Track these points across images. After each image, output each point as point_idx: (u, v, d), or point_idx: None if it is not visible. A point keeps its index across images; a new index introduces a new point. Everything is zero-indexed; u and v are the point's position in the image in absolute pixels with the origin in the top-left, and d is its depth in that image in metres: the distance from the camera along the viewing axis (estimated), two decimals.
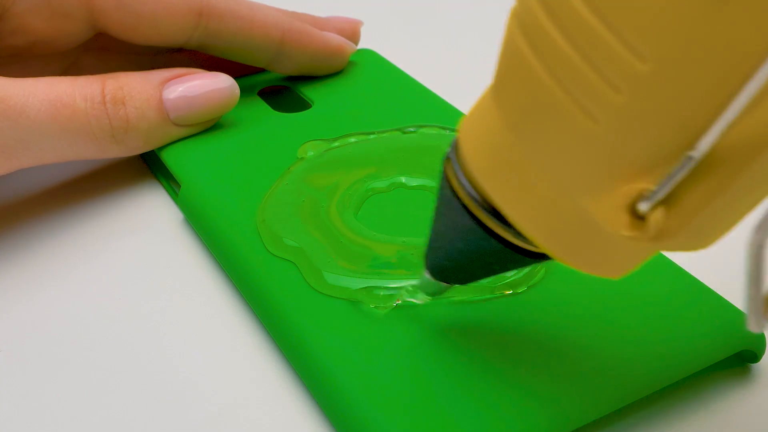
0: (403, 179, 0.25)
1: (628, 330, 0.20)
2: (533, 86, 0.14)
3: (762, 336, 0.20)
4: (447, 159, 0.16)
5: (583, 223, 0.14)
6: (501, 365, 0.19)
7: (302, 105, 0.30)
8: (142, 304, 0.23)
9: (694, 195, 0.13)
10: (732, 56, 0.11)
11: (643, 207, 0.13)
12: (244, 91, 0.29)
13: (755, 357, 0.20)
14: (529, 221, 0.15)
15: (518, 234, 0.15)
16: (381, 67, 0.32)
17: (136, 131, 0.26)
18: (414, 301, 0.20)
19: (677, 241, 0.13)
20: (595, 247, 0.15)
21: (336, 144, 0.27)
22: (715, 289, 0.21)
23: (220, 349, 0.21)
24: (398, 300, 0.20)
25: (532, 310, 0.20)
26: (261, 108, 0.29)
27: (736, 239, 0.25)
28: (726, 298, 0.21)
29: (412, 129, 0.27)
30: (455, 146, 0.16)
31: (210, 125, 0.28)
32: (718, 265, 0.24)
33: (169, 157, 0.26)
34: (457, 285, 0.18)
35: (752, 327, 0.13)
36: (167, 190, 0.27)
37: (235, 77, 0.28)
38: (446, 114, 0.28)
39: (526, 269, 0.21)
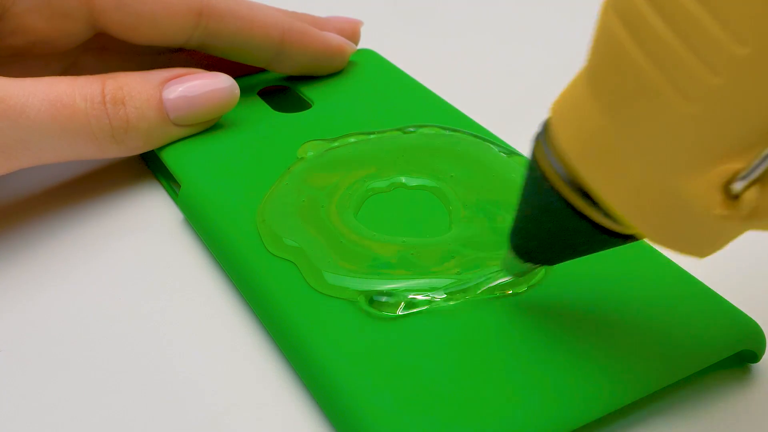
0: (403, 179, 0.25)
1: (627, 330, 0.20)
2: (631, 71, 0.14)
3: (762, 336, 0.20)
4: (537, 142, 0.17)
5: (675, 203, 0.15)
6: (500, 365, 0.19)
7: (302, 105, 0.30)
8: (142, 304, 0.23)
9: None
10: None
11: (737, 186, 0.13)
12: (244, 91, 0.29)
13: (755, 357, 0.20)
14: (622, 201, 0.15)
15: (607, 215, 0.16)
16: (381, 67, 0.32)
17: (136, 131, 0.26)
18: (416, 308, 0.20)
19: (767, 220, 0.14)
20: (686, 227, 0.15)
21: (336, 144, 0.27)
22: (715, 289, 0.21)
23: (220, 349, 0.21)
24: (400, 308, 0.20)
25: (532, 310, 0.20)
26: (261, 108, 0.29)
27: (737, 240, 0.25)
28: (726, 298, 0.21)
29: (412, 129, 0.27)
30: (545, 129, 0.16)
31: (210, 125, 0.28)
32: (718, 265, 0.24)
33: (169, 157, 0.26)
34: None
35: None
36: (167, 190, 0.27)
37: (235, 77, 0.28)
38: (446, 114, 0.28)
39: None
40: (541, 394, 0.18)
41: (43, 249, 0.25)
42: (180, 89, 0.26)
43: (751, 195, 0.13)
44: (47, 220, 0.26)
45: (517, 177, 0.24)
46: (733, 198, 0.14)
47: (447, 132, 0.27)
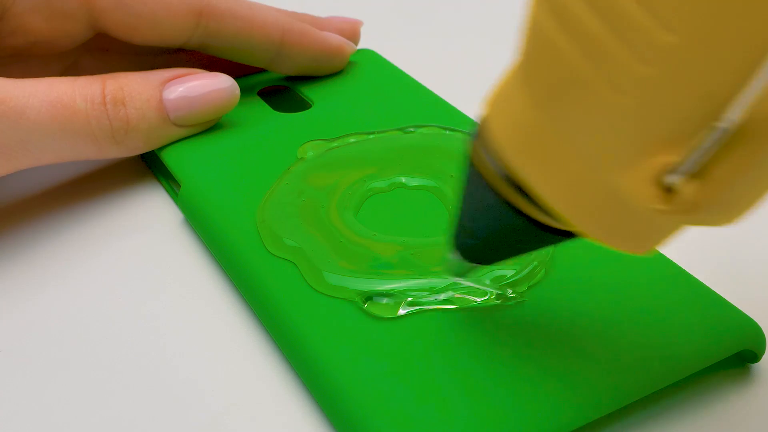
0: (403, 179, 0.25)
1: (627, 330, 0.20)
2: (561, 63, 0.14)
3: (762, 336, 0.20)
4: (472, 138, 0.16)
5: (611, 198, 0.14)
6: (500, 365, 0.19)
7: (302, 105, 0.30)
8: (142, 304, 0.23)
9: (726, 167, 0.13)
10: (760, 27, 0.12)
11: (671, 179, 0.13)
12: (244, 91, 0.29)
13: (755, 357, 0.20)
14: (559, 197, 0.15)
15: (545, 211, 0.15)
16: (381, 67, 0.32)
17: (137, 132, 0.26)
18: (416, 308, 0.20)
19: (705, 214, 0.13)
20: (624, 222, 0.15)
21: (336, 144, 0.27)
22: (715, 289, 0.21)
23: (220, 349, 0.21)
24: (400, 308, 0.20)
25: (532, 310, 0.20)
26: (261, 108, 0.29)
27: (737, 240, 0.26)
28: (726, 298, 0.21)
29: (412, 129, 0.27)
30: (480, 125, 0.16)
31: (210, 125, 0.28)
32: (718, 265, 0.24)
33: (169, 157, 0.26)
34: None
35: None
36: (167, 190, 0.27)
37: (235, 77, 0.28)
38: (446, 114, 0.28)
39: (527, 269, 0.21)
40: (540, 394, 0.18)
41: (43, 249, 0.25)
42: (180, 89, 0.26)
43: (686, 188, 0.13)
44: (47, 220, 0.26)
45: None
46: (669, 192, 0.13)
47: (447, 132, 0.27)
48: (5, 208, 0.27)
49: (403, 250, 0.22)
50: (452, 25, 0.40)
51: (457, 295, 0.20)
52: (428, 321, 0.20)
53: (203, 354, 0.21)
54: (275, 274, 0.21)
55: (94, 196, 0.27)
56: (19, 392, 0.20)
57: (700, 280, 0.21)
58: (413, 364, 0.19)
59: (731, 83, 0.12)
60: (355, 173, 0.25)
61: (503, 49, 0.37)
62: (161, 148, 0.27)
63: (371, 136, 0.27)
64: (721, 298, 0.20)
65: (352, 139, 0.27)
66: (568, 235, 0.16)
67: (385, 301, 0.20)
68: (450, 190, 0.24)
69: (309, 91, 0.30)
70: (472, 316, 0.20)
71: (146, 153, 0.28)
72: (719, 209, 0.13)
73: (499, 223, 0.16)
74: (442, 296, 0.20)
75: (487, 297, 0.20)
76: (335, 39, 0.31)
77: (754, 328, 0.20)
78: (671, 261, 0.22)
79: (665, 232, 0.15)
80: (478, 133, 0.16)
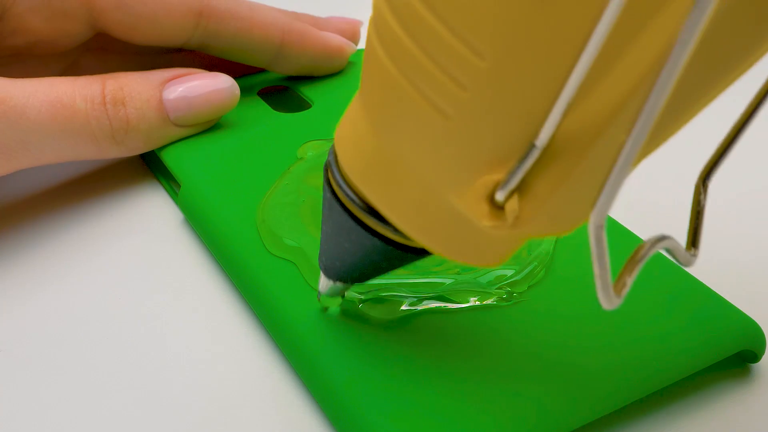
0: None
1: (628, 330, 0.20)
2: (390, 88, 0.14)
3: (762, 336, 0.20)
4: (327, 164, 0.17)
5: (451, 216, 0.15)
6: (500, 366, 0.19)
7: (302, 105, 0.30)
8: (142, 304, 0.23)
9: (543, 182, 0.13)
10: (557, 50, 0.12)
11: (499, 196, 0.14)
12: (244, 91, 0.29)
13: (755, 357, 0.20)
14: (403, 218, 0.16)
15: (397, 231, 0.16)
16: None
17: (136, 132, 0.26)
18: (415, 308, 0.20)
19: (535, 226, 0.14)
20: (467, 238, 0.16)
21: None
22: (715, 289, 0.21)
23: (220, 348, 0.21)
24: (400, 308, 0.20)
25: (531, 310, 0.20)
26: (261, 108, 0.29)
27: (737, 240, 0.26)
28: (726, 298, 0.21)
29: None
30: (332, 151, 0.17)
31: (210, 125, 0.28)
32: (718, 265, 0.24)
33: (169, 157, 0.26)
34: (357, 284, 0.19)
35: (604, 305, 0.14)
36: (167, 190, 0.27)
37: (235, 77, 0.28)
38: None
39: (527, 269, 0.21)
40: (540, 394, 0.18)
41: (43, 249, 0.25)
42: (180, 90, 0.26)
43: (512, 204, 0.14)
44: (47, 220, 0.26)
45: None
46: (499, 208, 0.14)
47: None
48: (5, 208, 0.27)
49: None
50: None
51: (456, 296, 0.20)
52: (428, 321, 0.20)
53: (203, 354, 0.21)
54: (275, 274, 0.21)
55: (94, 196, 0.27)
56: (19, 392, 0.20)
57: (700, 280, 0.21)
58: (412, 364, 0.19)
59: (540, 105, 0.13)
60: None
61: None
62: (161, 148, 0.27)
63: None
64: (721, 298, 0.20)
65: None
66: (424, 252, 0.17)
67: (384, 301, 0.20)
68: None
69: (309, 91, 0.30)
70: (471, 316, 0.20)
71: (146, 153, 0.28)
72: (545, 221, 0.14)
73: (358, 244, 0.17)
74: (442, 297, 0.20)
75: (486, 297, 0.20)
76: (335, 39, 0.31)
77: (754, 328, 0.20)
78: (671, 261, 0.22)
79: (506, 245, 0.16)
80: (331, 158, 0.17)
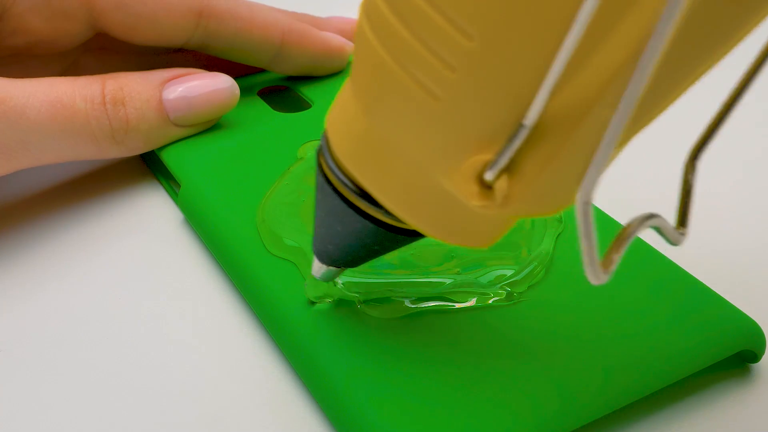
0: None
1: (627, 330, 0.20)
2: (379, 70, 0.14)
3: (762, 336, 0.20)
4: (319, 148, 0.17)
5: (442, 197, 0.15)
6: (501, 366, 0.19)
7: (302, 105, 0.30)
8: (142, 304, 0.23)
9: (532, 161, 0.14)
10: (543, 30, 0.12)
11: (488, 176, 0.14)
12: (244, 91, 0.29)
13: (755, 357, 0.20)
14: (395, 200, 0.16)
15: (388, 213, 0.16)
16: None
17: (136, 132, 0.26)
18: (416, 308, 0.20)
19: (524, 206, 0.14)
20: (458, 219, 0.16)
21: None
22: (715, 289, 0.21)
23: (220, 349, 0.21)
24: (401, 309, 0.20)
25: (531, 310, 0.20)
26: (261, 108, 0.29)
27: (737, 240, 0.26)
28: (726, 298, 0.21)
29: None
30: (324, 134, 0.17)
31: (210, 125, 0.28)
32: (718, 266, 0.24)
33: (169, 157, 0.26)
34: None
35: (592, 280, 0.14)
36: (167, 190, 0.27)
37: (235, 77, 0.28)
38: None
39: (527, 269, 0.21)
40: (540, 395, 0.18)
41: (43, 249, 0.25)
42: (180, 89, 0.26)
43: (501, 184, 0.14)
44: (47, 220, 0.26)
45: None
46: (488, 188, 0.14)
47: None
48: (5, 208, 0.27)
49: (404, 251, 0.22)
50: None
51: (456, 296, 0.20)
52: (428, 321, 0.20)
53: (203, 354, 0.21)
54: (275, 274, 0.21)
55: (94, 196, 0.27)
56: (19, 392, 0.20)
57: (700, 280, 0.21)
58: (412, 364, 0.19)
59: (528, 85, 0.13)
60: None
61: None
62: (161, 148, 0.27)
63: None
64: (721, 298, 0.20)
65: None
66: (416, 234, 0.17)
67: (384, 301, 0.20)
68: None
69: (309, 91, 0.30)
70: (471, 316, 0.20)
71: (146, 153, 0.28)
72: (533, 200, 0.14)
73: (350, 228, 0.17)
74: (442, 297, 0.20)
75: (486, 297, 0.20)
76: (335, 39, 0.31)
77: (754, 328, 0.20)
78: (671, 261, 0.22)
79: (496, 225, 0.16)
80: (323, 142, 0.17)
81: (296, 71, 0.31)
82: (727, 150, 0.30)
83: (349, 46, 0.31)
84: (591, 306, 0.20)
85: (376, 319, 0.20)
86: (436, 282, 0.21)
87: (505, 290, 0.21)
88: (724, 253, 0.24)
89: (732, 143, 0.31)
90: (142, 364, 0.21)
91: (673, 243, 0.15)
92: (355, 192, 0.16)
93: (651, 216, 0.14)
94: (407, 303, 0.20)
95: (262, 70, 0.32)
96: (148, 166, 0.28)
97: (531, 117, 0.13)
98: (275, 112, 0.29)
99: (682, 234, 0.15)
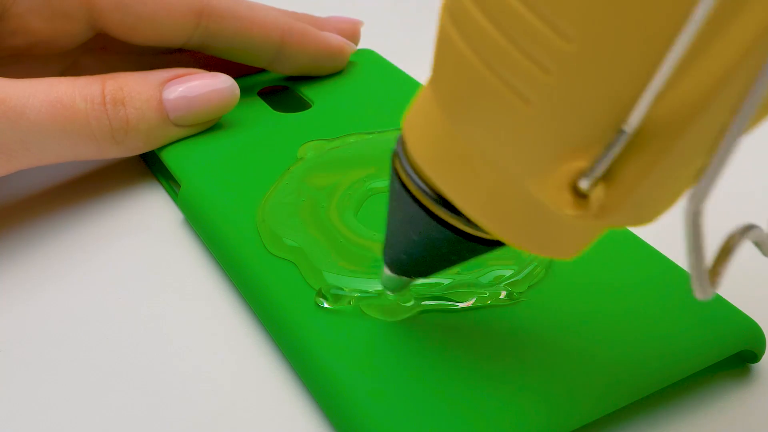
0: None
1: (628, 330, 0.20)
2: (467, 74, 0.14)
3: (762, 336, 0.20)
4: (395, 153, 0.16)
5: (529, 205, 0.15)
6: (501, 366, 0.19)
7: (302, 105, 0.30)
8: (142, 304, 0.23)
9: (631, 169, 0.13)
10: (650, 30, 0.12)
11: (583, 184, 0.13)
12: (244, 91, 0.29)
13: (755, 357, 0.20)
14: (478, 208, 0.15)
15: (469, 222, 0.16)
16: (381, 67, 0.32)
17: (136, 132, 0.26)
18: (416, 308, 0.20)
19: (621, 216, 0.14)
20: (545, 229, 0.15)
21: (336, 144, 0.27)
22: None
23: (220, 349, 0.21)
24: (401, 310, 0.20)
25: (531, 310, 0.20)
26: (261, 108, 0.29)
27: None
28: (726, 298, 0.21)
29: None
30: (401, 141, 0.16)
31: (210, 125, 0.28)
32: None
33: (169, 157, 0.26)
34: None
35: (698, 295, 0.13)
36: (167, 190, 0.27)
37: (235, 77, 0.28)
38: None
39: (527, 269, 0.21)
40: (540, 394, 0.18)
41: (43, 249, 0.25)
42: (180, 89, 0.26)
43: (597, 193, 0.13)
44: (47, 220, 0.26)
45: None
46: (583, 197, 0.13)
47: None
48: (5, 208, 0.27)
49: None
50: None
51: (456, 296, 0.20)
52: (428, 321, 0.20)
53: (203, 354, 0.21)
54: (275, 274, 0.21)
55: (94, 196, 0.27)
56: (19, 392, 0.20)
57: None
58: (412, 364, 0.19)
59: (630, 89, 0.12)
60: (355, 173, 0.25)
61: None
62: (161, 148, 0.27)
63: (371, 136, 0.27)
64: (721, 298, 0.20)
65: (352, 139, 0.27)
66: (497, 244, 0.16)
67: (385, 301, 0.20)
68: None
69: (309, 91, 0.30)
70: (471, 316, 0.20)
71: (146, 153, 0.28)
72: (630, 211, 0.14)
73: (427, 236, 0.16)
74: (442, 296, 0.20)
75: (486, 297, 0.20)
76: (335, 39, 0.31)
77: (754, 328, 0.20)
78: (671, 261, 0.22)
79: (586, 236, 0.15)
80: (399, 146, 0.16)
81: (296, 71, 0.30)
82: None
83: (349, 45, 0.31)
84: (591, 306, 0.20)
85: (376, 319, 0.20)
86: (436, 282, 0.21)
87: (505, 290, 0.21)
88: None
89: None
90: (141, 364, 0.21)
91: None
92: (434, 199, 0.16)
93: (751, 226, 0.14)
94: (408, 303, 0.20)
95: (262, 70, 0.32)
96: (148, 166, 0.28)
97: (632, 123, 0.12)
98: (275, 112, 0.29)
99: None
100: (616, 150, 0.13)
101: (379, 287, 0.20)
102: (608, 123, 0.13)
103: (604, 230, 0.15)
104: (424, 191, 0.16)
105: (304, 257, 0.22)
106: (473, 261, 0.21)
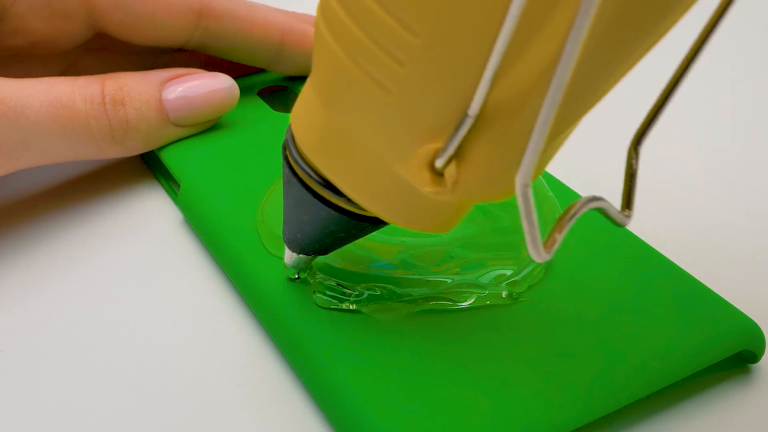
0: None
1: (627, 330, 0.20)
2: (337, 68, 0.15)
3: (761, 336, 0.20)
4: (284, 142, 0.18)
5: (398, 185, 0.16)
6: (500, 366, 0.19)
7: None
8: (142, 304, 0.23)
9: (478, 149, 0.15)
10: (480, 27, 0.13)
11: (438, 163, 0.15)
12: (244, 91, 0.29)
13: (755, 357, 0.20)
14: (356, 189, 0.17)
15: (350, 201, 0.17)
16: None
17: (136, 132, 0.26)
18: (416, 308, 0.20)
19: (474, 191, 0.15)
20: (413, 205, 0.17)
21: None
22: (715, 289, 0.21)
23: (220, 349, 0.21)
24: (401, 310, 0.20)
25: (531, 310, 0.20)
26: (261, 108, 0.29)
27: (737, 240, 0.26)
28: (726, 298, 0.21)
29: None
30: (289, 128, 0.18)
31: (210, 125, 0.28)
32: (718, 266, 0.24)
33: (168, 157, 0.26)
34: (321, 257, 0.20)
35: (535, 257, 0.15)
36: (167, 190, 0.27)
37: (235, 77, 0.28)
38: None
39: (527, 269, 0.21)
40: (540, 395, 0.18)
41: (43, 249, 0.25)
42: (180, 90, 0.26)
43: (450, 170, 0.15)
44: (47, 220, 0.26)
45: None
46: (440, 175, 0.15)
47: None
48: (5, 208, 0.27)
49: (403, 251, 0.22)
50: None
51: (456, 296, 0.20)
52: (428, 321, 0.20)
53: (203, 354, 0.21)
54: (275, 274, 0.21)
55: (94, 196, 0.27)
56: (19, 392, 0.20)
57: (700, 280, 0.21)
58: (412, 363, 0.19)
59: (470, 76, 0.14)
60: None
61: None
62: (161, 148, 0.27)
63: None
64: (721, 298, 0.20)
65: None
66: (378, 221, 0.18)
67: (384, 301, 0.20)
68: None
69: None
70: (470, 316, 0.20)
71: (146, 153, 0.28)
72: (482, 186, 0.15)
73: (315, 216, 0.18)
74: (442, 297, 0.20)
75: (486, 297, 0.20)
76: None
77: (754, 329, 0.20)
78: (671, 261, 0.22)
79: (450, 211, 0.17)
80: (288, 136, 0.18)
81: (296, 71, 0.30)
82: (726, 151, 0.30)
83: None
84: (591, 306, 0.20)
85: (376, 319, 0.20)
86: (435, 282, 0.21)
87: (505, 290, 0.21)
88: (723, 254, 0.24)
89: (732, 145, 0.31)
90: (141, 364, 0.21)
91: (619, 224, 0.16)
92: (318, 182, 0.17)
93: (594, 198, 0.15)
94: (407, 303, 0.20)
95: (262, 70, 0.32)
96: (148, 166, 0.28)
97: (474, 107, 0.14)
98: (275, 112, 0.29)
99: (628, 216, 0.16)
100: (463, 132, 0.14)
101: (380, 287, 0.20)
102: (456, 108, 0.14)
103: (467, 206, 0.17)
104: (309, 175, 0.18)
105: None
106: (474, 261, 0.21)
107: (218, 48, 0.29)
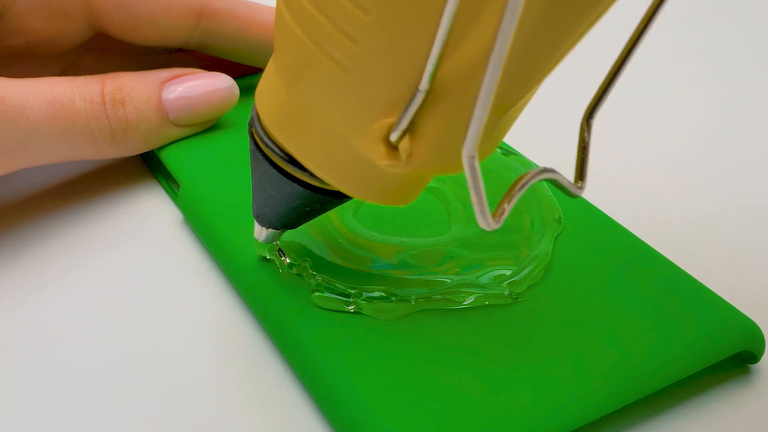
0: None
1: (627, 330, 0.20)
2: (296, 47, 0.16)
3: (761, 337, 0.20)
4: (250, 118, 0.19)
5: (357, 159, 0.17)
6: (500, 366, 0.19)
7: None
8: (142, 304, 0.23)
9: (430, 123, 0.15)
10: (426, 4, 0.14)
11: (392, 137, 0.16)
12: (244, 91, 0.29)
13: (754, 358, 0.20)
14: (318, 163, 0.17)
15: (313, 176, 0.18)
16: None
17: (136, 132, 0.26)
18: (415, 308, 0.20)
19: (428, 163, 0.16)
20: (372, 178, 0.17)
21: None
22: (715, 290, 0.21)
23: (220, 349, 0.21)
24: (401, 310, 0.20)
25: (531, 310, 0.20)
26: None
27: (737, 240, 0.26)
28: (726, 298, 0.21)
29: None
30: (254, 106, 0.19)
31: (209, 125, 0.28)
32: (718, 266, 0.24)
33: (168, 157, 0.26)
34: (291, 231, 0.21)
35: (483, 226, 0.15)
36: (167, 190, 0.27)
37: (235, 77, 0.28)
38: None
39: (526, 269, 0.21)
40: (540, 394, 0.18)
41: (43, 249, 0.25)
42: (179, 89, 0.26)
43: (404, 144, 0.16)
44: (47, 220, 0.26)
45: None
46: (394, 149, 0.16)
47: None
48: (5, 208, 0.27)
49: (403, 251, 0.22)
50: None
51: (456, 296, 0.20)
52: (427, 321, 0.20)
53: (202, 354, 0.21)
54: (274, 275, 0.21)
55: (94, 196, 0.27)
56: (19, 392, 0.20)
57: (700, 280, 0.21)
58: (412, 364, 0.19)
59: (420, 53, 0.14)
60: None
61: None
62: (161, 148, 0.27)
63: None
64: (721, 298, 0.20)
65: None
66: (342, 195, 0.18)
67: (384, 301, 0.20)
68: (449, 190, 0.24)
69: None
70: (470, 316, 0.20)
71: (146, 153, 0.28)
72: (434, 159, 0.16)
73: (281, 190, 0.19)
74: (442, 297, 0.20)
75: (486, 297, 0.20)
76: None
77: (754, 329, 0.20)
78: (671, 261, 0.22)
79: (407, 184, 0.18)
80: (253, 112, 0.19)
81: None
82: (727, 151, 0.30)
83: None
84: (590, 306, 0.20)
85: (376, 319, 0.20)
86: (435, 282, 0.21)
87: (505, 290, 0.21)
88: (723, 254, 0.24)
89: (730, 144, 0.31)
90: (141, 364, 0.21)
91: (571, 195, 0.17)
92: (282, 158, 0.18)
93: (546, 170, 0.16)
94: (407, 303, 0.20)
95: (262, 70, 0.32)
96: (148, 166, 0.28)
97: (424, 83, 0.15)
98: None
99: (580, 188, 0.17)
100: (415, 106, 0.15)
101: (379, 287, 0.20)
102: (408, 83, 0.15)
103: (424, 179, 0.18)
104: (273, 151, 0.18)
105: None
106: (473, 261, 0.21)
107: (218, 48, 0.29)
